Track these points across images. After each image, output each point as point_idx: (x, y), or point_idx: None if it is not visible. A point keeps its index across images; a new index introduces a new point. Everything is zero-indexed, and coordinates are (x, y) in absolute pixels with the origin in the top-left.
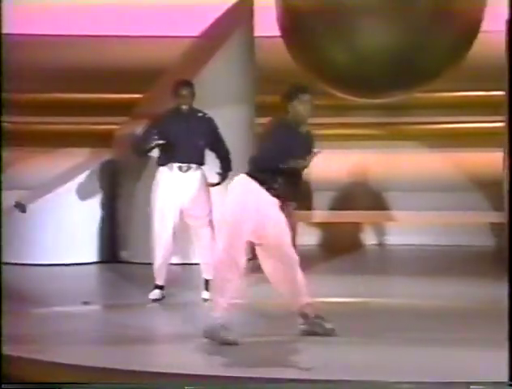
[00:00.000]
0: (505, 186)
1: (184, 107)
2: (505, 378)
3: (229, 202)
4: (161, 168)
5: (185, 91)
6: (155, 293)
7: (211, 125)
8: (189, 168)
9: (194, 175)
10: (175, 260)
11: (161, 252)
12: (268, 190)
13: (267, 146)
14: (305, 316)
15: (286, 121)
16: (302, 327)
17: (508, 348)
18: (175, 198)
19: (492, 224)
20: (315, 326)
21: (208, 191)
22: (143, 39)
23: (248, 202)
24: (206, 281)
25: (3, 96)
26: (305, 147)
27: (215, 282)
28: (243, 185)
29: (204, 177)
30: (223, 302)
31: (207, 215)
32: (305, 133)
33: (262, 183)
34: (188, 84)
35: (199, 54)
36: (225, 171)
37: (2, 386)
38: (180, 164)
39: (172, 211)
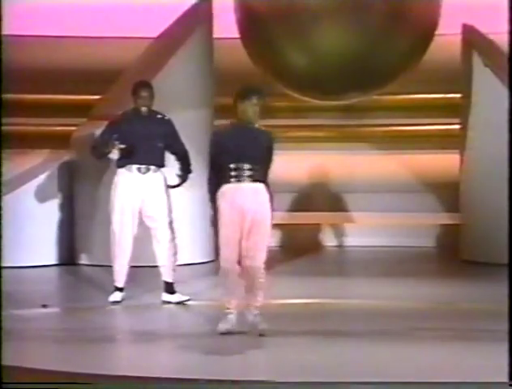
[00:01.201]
0: (461, 188)
1: (143, 109)
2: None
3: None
4: (120, 170)
5: (144, 93)
6: (116, 296)
7: (170, 126)
8: (148, 170)
9: (153, 177)
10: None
11: (121, 254)
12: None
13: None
14: (248, 313)
15: (235, 123)
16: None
17: (508, 347)
18: (134, 200)
19: (446, 225)
20: (254, 325)
21: (168, 193)
22: (102, 40)
23: (235, 202)
24: (166, 283)
25: None
26: (256, 145)
27: (228, 286)
28: (231, 189)
29: (164, 178)
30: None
31: (167, 217)
32: (258, 131)
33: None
34: (147, 86)
35: (158, 55)
36: (185, 173)
37: (3, 386)
38: (139, 166)
39: (131, 212)
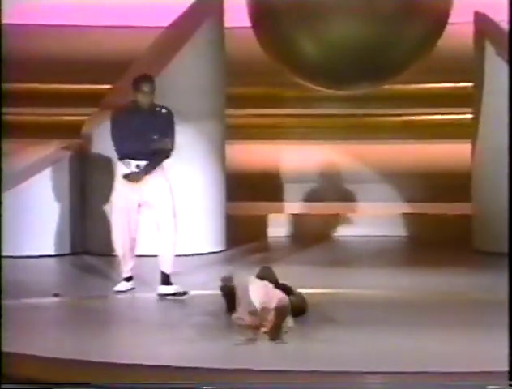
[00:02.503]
0: (473, 177)
1: (144, 103)
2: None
3: None
4: (121, 162)
5: (146, 88)
6: (123, 285)
7: (169, 118)
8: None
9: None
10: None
11: (126, 245)
12: None
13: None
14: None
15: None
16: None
17: (508, 348)
18: (136, 191)
19: (458, 215)
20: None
21: (169, 182)
22: (113, 29)
23: None
24: (164, 274)
25: None
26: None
27: None
28: None
29: (164, 168)
30: None
31: (170, 207)
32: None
33: None
34: (149, 80)
35: (169, 45)
36: (152, 166)
37: (2, 386)
38: (137, 163)
39: (135, 203)
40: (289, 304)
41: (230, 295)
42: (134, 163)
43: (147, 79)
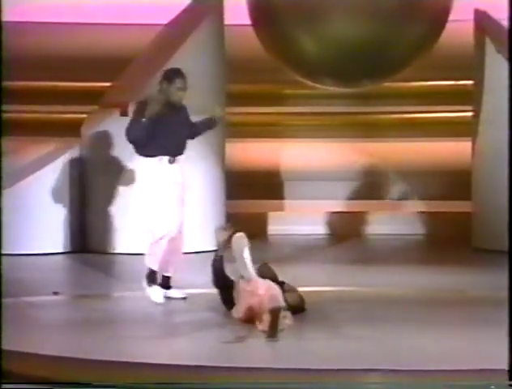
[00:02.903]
0: (473, 175)
1: (179, 99)
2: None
3: None
4: (150, 159)
5: (182, 84)
6: (160, 292)
7: (187, 113)
8: (176, 160)
9: (178, 166)
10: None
11: (169, 246)
12: None
13: None
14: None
15: None
16: None
17: (508, 348)
18: (174, 188)
19: (458, 213)
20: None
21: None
22: (112, 27)
23: None
24: (166, 278)
25: None
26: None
27: None
28: None
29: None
30: None
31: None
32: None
33: None
34: (184, 75)
35: (168, 43)
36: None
37: (2, 385)
38: (169, 157)
39: (176, 201)
40: (283, 304)
41: (224, 288)
42: (166, 158)
43: (182, 74)
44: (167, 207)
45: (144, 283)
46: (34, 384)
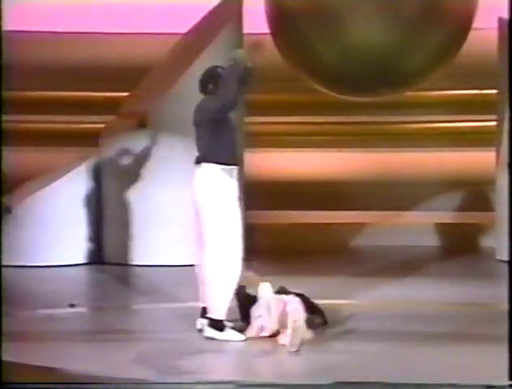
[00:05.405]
0: (497, 186)
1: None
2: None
3: None
4: (212, 166)
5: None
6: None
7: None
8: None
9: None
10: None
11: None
12: None
13: None
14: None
15: None
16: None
17: (508, 348)
18: (236, 196)
19: (482, 224)
20: None
21: None
22: (130, 36)
23: None
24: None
25: None
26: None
27: None
28: None
29: None
30: None
31: None
32: None
33: None
34: None
35: (187, 52)
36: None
37: (2, 386)
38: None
39: (239, 210)
40: (304, 319)
41: (244, 303)
42: (235, 168)
43: None
44: (230, 218)
45: (210, 331)
46: (34, 384)
